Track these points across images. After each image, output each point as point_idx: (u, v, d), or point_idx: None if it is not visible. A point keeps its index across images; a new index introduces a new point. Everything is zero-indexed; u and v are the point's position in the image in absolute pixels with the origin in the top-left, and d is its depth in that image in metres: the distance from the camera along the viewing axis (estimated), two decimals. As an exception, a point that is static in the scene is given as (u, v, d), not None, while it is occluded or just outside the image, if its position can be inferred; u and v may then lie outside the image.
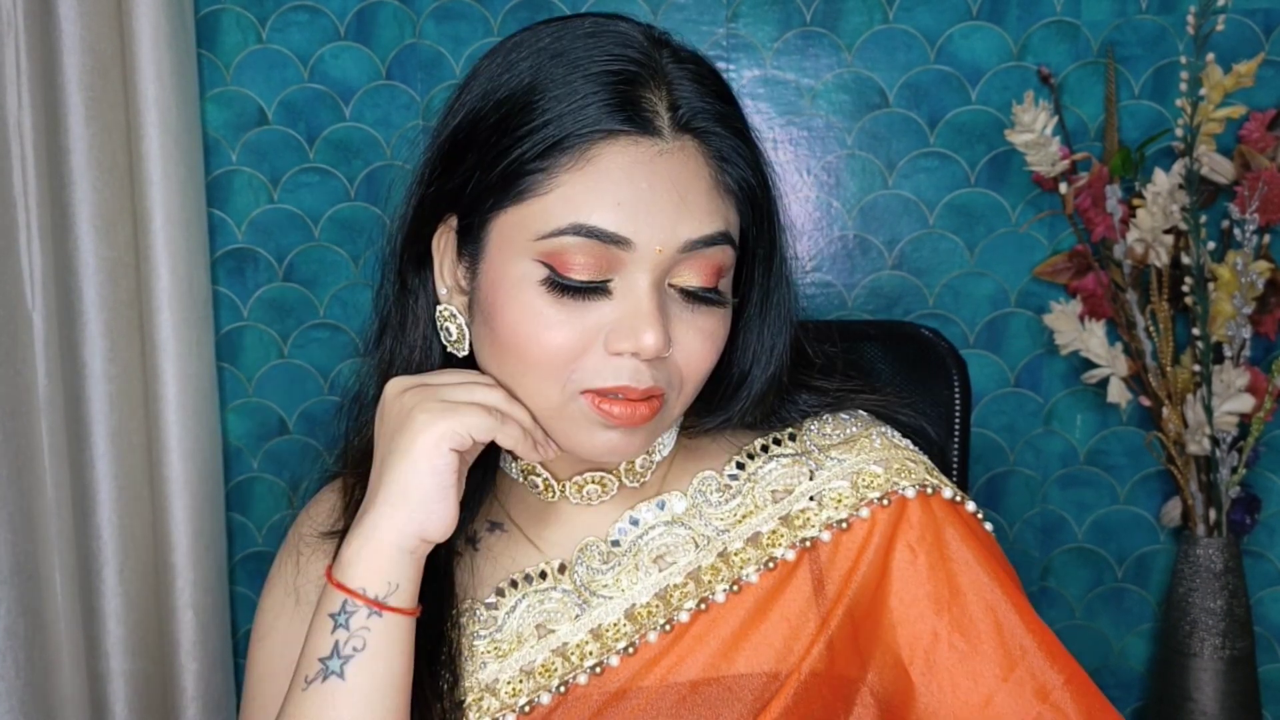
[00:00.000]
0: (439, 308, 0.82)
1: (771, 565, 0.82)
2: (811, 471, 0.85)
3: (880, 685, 0.82)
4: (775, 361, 0.84)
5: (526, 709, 0.81)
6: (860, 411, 0.90)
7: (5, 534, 1.52)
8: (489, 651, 0.83)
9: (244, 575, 1.80)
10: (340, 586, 0.74)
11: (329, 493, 0.92)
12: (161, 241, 1.61)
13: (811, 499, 0.84)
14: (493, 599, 0.84)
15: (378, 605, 0.74)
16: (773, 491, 0.85)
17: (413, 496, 0.74)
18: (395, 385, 0.79)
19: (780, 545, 0.83)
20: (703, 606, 0.82)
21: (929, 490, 0.84)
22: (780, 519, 0.84)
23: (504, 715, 0.81)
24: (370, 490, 0.76)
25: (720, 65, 1.68)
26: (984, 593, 0.81)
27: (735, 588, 0.82)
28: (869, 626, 0.82)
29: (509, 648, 0.83)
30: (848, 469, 0.85)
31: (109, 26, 1.59)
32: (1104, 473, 1.71)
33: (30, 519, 1.56)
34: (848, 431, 0.87)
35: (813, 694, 0.80)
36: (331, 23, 1.71)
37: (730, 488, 0.85)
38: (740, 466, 0.87)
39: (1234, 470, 1.56)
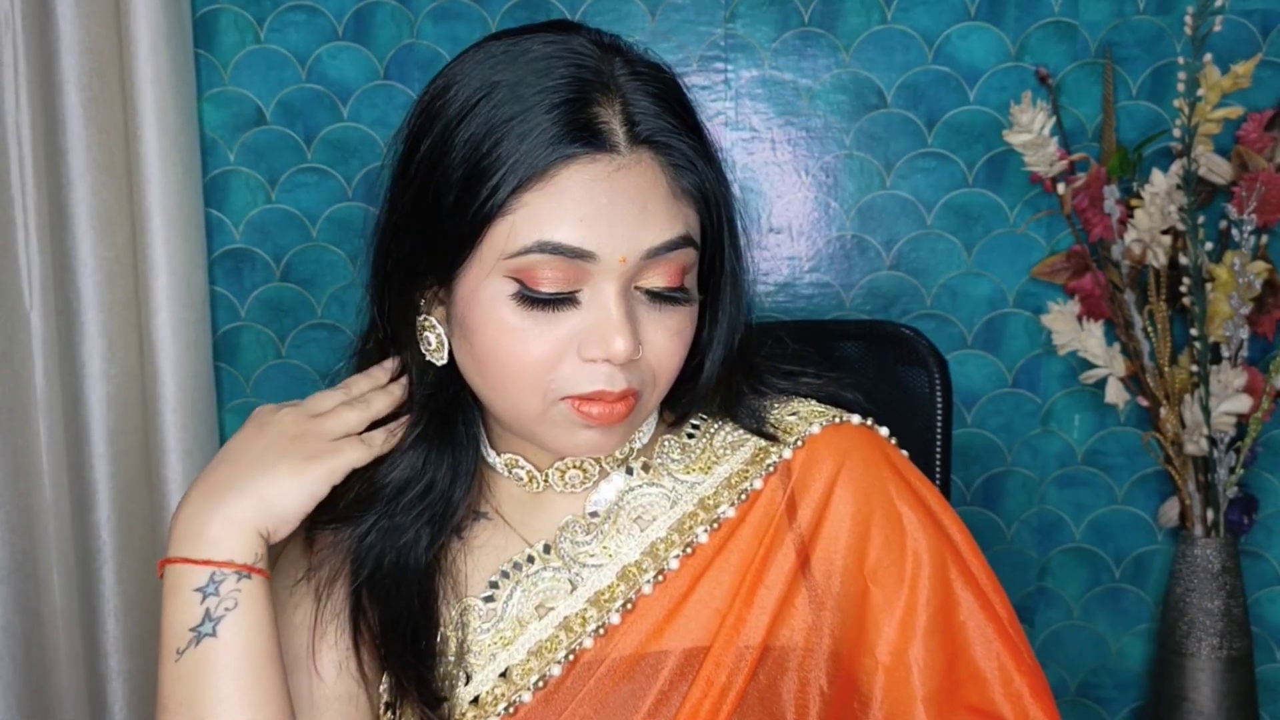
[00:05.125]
0: (419, 318, 0.84)
1: (744, 497, 0.87)
2: (756, 429, 0.91)
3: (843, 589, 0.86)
4: (726, 351, 0.87)
5: (540, 685, 0.83)
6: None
7: (4, 533, 1.52)
8: (495, 643, 0.85)
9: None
10: (207, 563, 0.78)
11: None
12: (159, 241, 1.62)
13: (765, 438, 0.90)
14: (488, 593, 0.87)
15: (248, 569, 0.78)
16: (730, 443, 0.90)
17: (274, 504, 0.79)
18: (269, 408, 0.85)
19: (749, 479, 0.88)
20: (689, 551, 0.86)
21: (864, 418, 0.91)
22: (744, 462, 0.89)
23: (519, 696, 0.83)
24: (228, 473, 0.81)
25: (718, 65, 1.68)
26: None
27: (715, 525, 0.86)
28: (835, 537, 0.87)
29: (513, 634, 0.85)
30: (789, 410, 0.91)
31: (107, 27, 1.59)
32: (1102, 473, 1.72)
33: (29, 518, 1.57)
34: (788, 403, 0.93)
35: (799, 603, 0.84)
36: (329, 23, 1.71)
37: (688, 445, 0.90)
38: (695, 427, 0.91)
39: (1231, 470, 1.56)
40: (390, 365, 0.87)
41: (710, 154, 0.82)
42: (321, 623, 0.85)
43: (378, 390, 0.86)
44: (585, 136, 0.75)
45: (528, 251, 0.75)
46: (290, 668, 0.83)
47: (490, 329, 0.78)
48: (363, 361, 0.89)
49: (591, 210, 0.75)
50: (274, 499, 0.79)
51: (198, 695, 0.77)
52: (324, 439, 0.82)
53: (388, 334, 0.85)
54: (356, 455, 0.82)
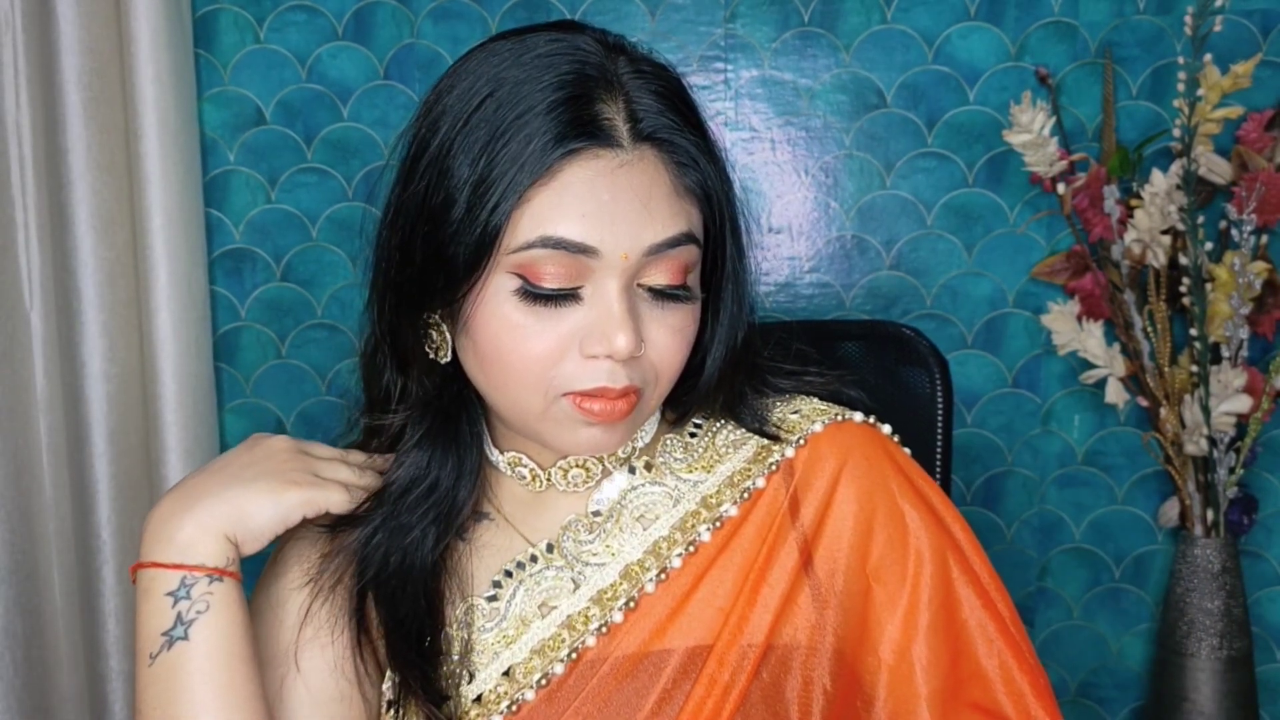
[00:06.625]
0: (423, 316, 0.84)
1: (747, 496, 0.87)
2: (758, 429, 0.91)
3: (846, 588, 0.86)
4: (729, 350, 0.87)
5: (543, 683, 0.83)
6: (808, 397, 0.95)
7: (4, 533, 1.52)
8: (498, 642, 0.85)
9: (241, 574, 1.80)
10: (179, 566, 0.79)
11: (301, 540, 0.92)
12: (160, 241, 1.62)
13: (767, 437, 0.90)
14: (491, 592, 0.87)
15: (219, 572, 0.79)
16: (732, 442, 0.90)
17: (247, 517, 0.80)
18: (265, 434, 0.87)
19: (751, 477, 0.88)
20: (691, 549, 0.86)
21: (866, 416, 0.91)
22: (746, 460, 0.89)
23: (522, 694, 0.83)
24: (205, 480, 0.82)
25: (718, 65, 1.68)
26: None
27: (718, 524, 0.86)
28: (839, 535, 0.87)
29: (516, 632, 0.85)
30: (791, 408, 0.91)
31: (107, 27, 1.59)
32: (1102, 473, 1.72)
33: (29, 518, 1.57)
34: (790, 401, 0.93)
35: (802, 602, 0.84)
36: (329, 23, 1.71)
37: (690, 444, 0.90)
38: (698, 426, 0.92)
39: (1231, 471, 1.56)
40: (391, 464, 0.88)
41: (713, 152, 0.82)
42: (318, 623, 0.85)
43: (374, 471, 0.87)
44: (588, 132, 0.76)
45: (530, 246, 0.75)
46: (282, 668, 0.84)
47: (493, 325, 0.78)
48: (367, 366, 0.89)
49: (594, 206, 0.75)
50: (248, 512, 0.80)
51: (171, 699, 0.77)
52: (310, 472, 0.83)
53: (388, 336, 0.85)
54: (337, 498, 0.83)
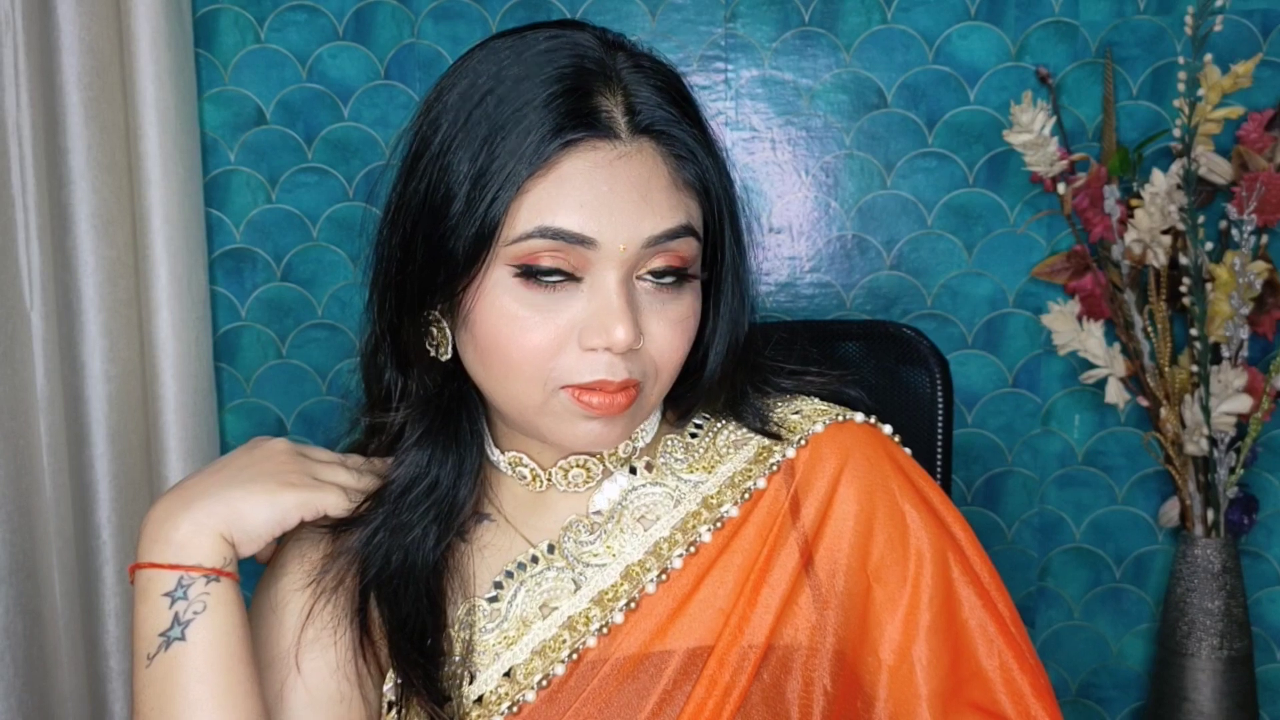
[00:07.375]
0: (423, 313, 0.84)
1: (748, 496, 0.87)
2: (760, 428, 0.91)
3: (846, 588, 0.86)
4: (730, 345, 0.87)
5: (544, 684, 0.84)
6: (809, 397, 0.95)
7: (4, 533, 1.52)
8: (499, 643, 0.86)
9: (240, 574, 1.80)
10: (175, 567, 0.79)
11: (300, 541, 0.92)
12: (160, 241, 1.62)
13: (769, 437, 0.89)
14: (493, 593, 0.87)
15: (216, 572, 0.79)
16: (733, 442, 0.90)
17: (243, 518, 0.80)
18: (264, 437, 0.87)
19: (752, 478, 0.88)
20: (692, 550, 0.86)
21: (867, 416, 0.91)
22: (747, 461, 0.89)
23: (523, 695, 0.83)
24: (203, 481, 0.82)
25: (718, 65, 1.68)
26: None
27: (718, 524, 0.87)
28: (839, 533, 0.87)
29: (517, 633, 0.85)
30: (792, 408, 0.91)
31: (108, 27, 1.59)
32: (1102, 473, 1.72)
33: (29, 518, 1.57)
34: (791, 401, 0.93)
35: (803, 602, 0.84)
36: (330, 22, 1.71)
37: (691, 445, 0.90)
38: (699, 426, 0.92)
39: (1232, 470, 1.56)
40: (391, 463, 0.88)
41: (712, 147, 0.82)
42: (320, 624, 0.85)
43: (373, 474, 0.87)
44: (586, 123, 0.76)
45: (529, 237, 0.76)
46: (283, 669, 0.84)
47: (492, 318, 0.78)
48: (367, 365, 0.89)
49: (592, 197, 0.76)
50: (244, 512, 0.80)
51: (169, 699, 0.77)
52: (308, 475, 0.83)
53: (389, 334, 0.85)
54: (334, 500, 0.83)
